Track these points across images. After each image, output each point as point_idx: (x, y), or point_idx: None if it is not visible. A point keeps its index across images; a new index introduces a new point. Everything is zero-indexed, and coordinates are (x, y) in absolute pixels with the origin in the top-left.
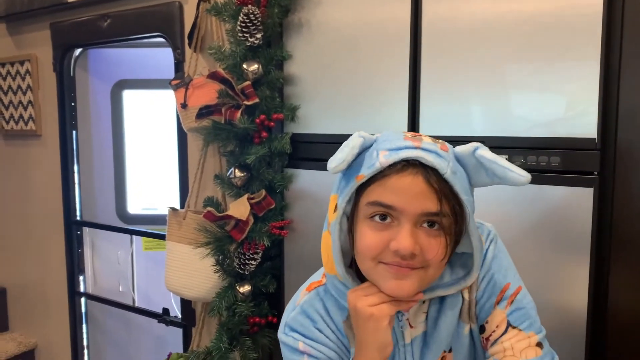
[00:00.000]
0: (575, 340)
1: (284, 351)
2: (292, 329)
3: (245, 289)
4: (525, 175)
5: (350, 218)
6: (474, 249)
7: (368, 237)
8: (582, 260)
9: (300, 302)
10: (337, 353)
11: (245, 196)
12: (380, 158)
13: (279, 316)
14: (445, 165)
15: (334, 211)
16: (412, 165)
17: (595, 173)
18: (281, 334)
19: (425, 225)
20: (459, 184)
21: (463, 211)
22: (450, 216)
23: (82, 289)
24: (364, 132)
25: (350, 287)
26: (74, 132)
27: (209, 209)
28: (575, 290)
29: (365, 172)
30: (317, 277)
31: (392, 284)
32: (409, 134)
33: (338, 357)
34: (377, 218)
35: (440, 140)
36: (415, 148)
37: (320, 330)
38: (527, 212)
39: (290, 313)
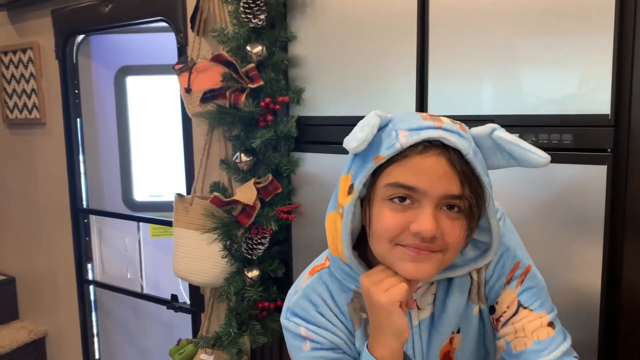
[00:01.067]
0: (589, 320)
1: (287, 336)
2: (294, 313)
3: (253, 273)
4: (546, 157)
5: (366, 199)
6: (492, 232)
7: (387, 218)
8: (595, 239)
9: (302, 286)
10: (341, 337)
11: (252, 181)
12: (401, 138)
13: None
14: (467, 146)
15: (349, 193)
16: (435, 146)
17: (609, 150)
18: (283, 319)
19: (445, 208)
20: (480, 166)
21: (484, 193)
22: (471, 199)
23: (90, 276)
24: (380, 111)
25: (355, 270)
26: (78, 119)
27: (215, 194)
28: (588, 269)
29: (385, 153)
30: (320, 260)
31: (410, 267)
32: (426, 114)
33: (341, 342)
34: (396, 199)
35: (458, 121)
36: (437, 128)
37: (322, 315)
38: (539, 191)
39: (292, 297)
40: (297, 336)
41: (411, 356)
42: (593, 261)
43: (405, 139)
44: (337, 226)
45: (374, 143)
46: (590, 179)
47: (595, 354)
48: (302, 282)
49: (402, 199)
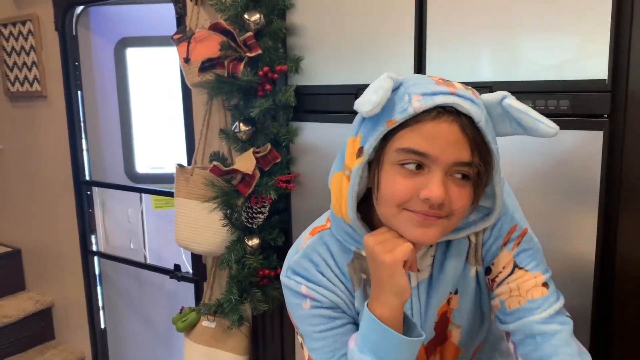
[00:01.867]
0: (583, 287)
1: (287, 294)
2: (294, 272)
3: (253, 242)
4: (555, 127)
5: (375, 163)
6: (496, 198)
7: (397, 184)
8: (590, 206)
9: (303, 246)
10: (340, 297)
11: (251, 150)
12: (414, 103)
13: None
14: (479, 113)
15: (358, 156)
16: (448, 112)
17: (606, 116)
18: (283, 277)
19: (455, 174)
20: (490, 134)
21: (492, 161)
22: (480, 166)
23: (94, 248)
24: (392, 73)
25: (357, 232)
26: (79, 92)
27: (215, 163)
28: (583, 237)
29: (397, 117)
30: (321, 221)
31: (417, 232)
32: (438, 78)
33: (341, 301)
34: (407, 165)
35: (469, 87)
36: (451, 94)
37: (323, 274)
38: (535, 157)
39: (293, 257)
40: (298, 294)
41: (410, 317)
42: (588, 229)
43: (418, 104)
44: (343, 188)
45: (386, 106)
46: (587, 146)
47: (589, 321)
48: (303, 242)
49: (413, 164)
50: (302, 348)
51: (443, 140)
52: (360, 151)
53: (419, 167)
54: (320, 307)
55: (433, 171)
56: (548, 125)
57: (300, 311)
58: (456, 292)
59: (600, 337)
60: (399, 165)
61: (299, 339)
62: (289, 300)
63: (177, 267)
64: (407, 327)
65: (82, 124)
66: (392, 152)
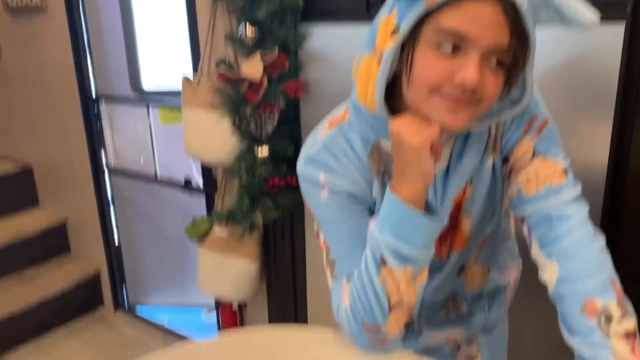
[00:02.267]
0: (594, 193)
1: (304, 184)
2: (313, 161)
3: (263, 151)
4: (594, 17)
5: (409, 43)
6: (526, 89)
7: (434, 67)
8: (606, 110)
9: (321, 138)
10: (359, 186)
11: (258, 53)
12: None
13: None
14: None
15: (391, 35)
16: None
17: (628, 9)
18: (300, 167)
19: (490, 60)
20: (531, 21)
21: (529, 49)
22: (517, 54)
23: (104, 163)
24: None
25: (380, 120)
26: (80, 3)
27: (222, 70)
28: (596, 142)
29: None
30: (339, 112)
31: (447, 117)
32: None
33: (359, 189)
34: (445, 47)
35: None
36: None
37: (342, 165)
38: (551, 53)
39: (311, 148)
40: (315, 183)
41: (431, 201)
42: (602, 133)
43: None
44: (372, 72)
45: None
46: (607, 41)
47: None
48: (321, 134)
49: (450, 46)
50: (318, 237)
51: (484, 22)
52: (395, 30)
53: (455, 49)
54: (337, 195)
55: (470, 54)
56: (589, 13)
57: (318, 200)
58: (471, 182)
59: (608, 246)
60: (435, 46)
61: (315, 226)
62: (307, 190)
63: (188, 180)
64: (428, 211)
65: (85, 39)
66: (429, 32)
